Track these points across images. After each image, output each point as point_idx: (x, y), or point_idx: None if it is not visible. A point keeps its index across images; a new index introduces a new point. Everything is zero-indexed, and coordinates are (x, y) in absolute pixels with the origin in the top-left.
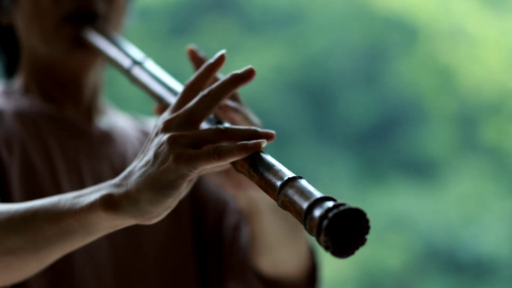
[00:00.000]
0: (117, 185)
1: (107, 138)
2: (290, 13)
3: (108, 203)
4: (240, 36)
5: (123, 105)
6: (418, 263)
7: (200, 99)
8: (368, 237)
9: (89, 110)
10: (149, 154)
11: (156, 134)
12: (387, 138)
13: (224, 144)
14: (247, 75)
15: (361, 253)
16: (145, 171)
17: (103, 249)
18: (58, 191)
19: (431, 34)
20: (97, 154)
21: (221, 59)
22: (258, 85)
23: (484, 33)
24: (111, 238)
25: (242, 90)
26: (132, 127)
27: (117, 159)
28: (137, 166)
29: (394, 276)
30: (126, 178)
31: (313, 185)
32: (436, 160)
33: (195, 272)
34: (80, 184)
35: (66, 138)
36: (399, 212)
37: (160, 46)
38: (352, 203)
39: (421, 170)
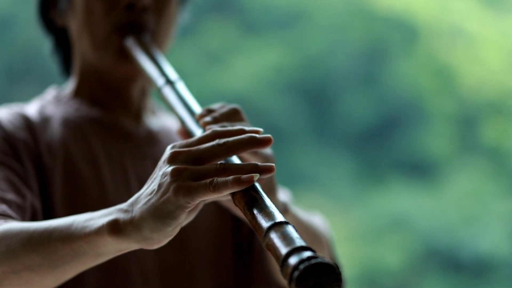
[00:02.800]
0: (124, 211)
1: (153, 138)
2: (290, 14)
3: (114, 228)
4: (240, 37)
5: None
6: (418, 263)
7: (214, 146)
8: (368, 237)
9: (138, 112)
10: (155, 183)
11: (164, 164)
12: (387, 138)
13: (221, 178)
14: (264, 142)
15: (361, 253)
16: (149, 200)
17: None
18: (102, 191)
19: (431, 34)
20: (142, 154)
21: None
22: (258, 85)
23: (484, 33)
24: None
25: (242, 90)
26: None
27: None
28: (143, 194)
29: (394, 275)
30: (133, 204)
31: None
32: (436, 160)
33: (234, 271)
34: (125, 184)
35: (111, 140)
36: (399, 212)
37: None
38: (352, 203)
39: (421, 170)
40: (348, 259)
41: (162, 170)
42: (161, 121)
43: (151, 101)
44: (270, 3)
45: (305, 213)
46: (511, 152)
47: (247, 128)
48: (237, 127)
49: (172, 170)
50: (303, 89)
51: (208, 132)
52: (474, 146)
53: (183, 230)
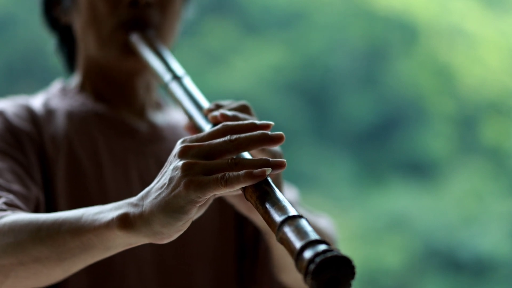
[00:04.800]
0: (134, 205)
1: (157, 135)
2: (290, 14)
3: (124, 222)
4: (240, 37)
5: None
6: (417, 263)
7: (225, 142)
8: (368, 237)
9: (142, 108)
10: (165, 177)
11: (175, 158)
12: (386, 138)
13: (232, 172)
14: (276, 140)
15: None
16: (159, 194)
17: (145, 247)
18: (103, 187)
19: (431, 34)
20: (145, 151)
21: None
22: (258, 85)
23: (484, 33)
24: None
25: (242, 90)
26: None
27: (166, 156)
28: (154, 188)
29: (394, 275)
30: (143, 198)
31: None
32: (436, 160)
33: (235, 273)
34: (126, 181)
35: (114, 136)
36: (398, 212)
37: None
38: (352, 203)
39: (421, 170)
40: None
41: (173, 164)
42: (168, 116)
43: (157, 96)
44: (270, 3)
45: (311, 214)
46: (511, 152)
47: (258, 122)
48: (249, 121)
49: (183, 164)
50: (303, 89)
51: (219, 126)
52: (474, 146)
53: (185, 233)
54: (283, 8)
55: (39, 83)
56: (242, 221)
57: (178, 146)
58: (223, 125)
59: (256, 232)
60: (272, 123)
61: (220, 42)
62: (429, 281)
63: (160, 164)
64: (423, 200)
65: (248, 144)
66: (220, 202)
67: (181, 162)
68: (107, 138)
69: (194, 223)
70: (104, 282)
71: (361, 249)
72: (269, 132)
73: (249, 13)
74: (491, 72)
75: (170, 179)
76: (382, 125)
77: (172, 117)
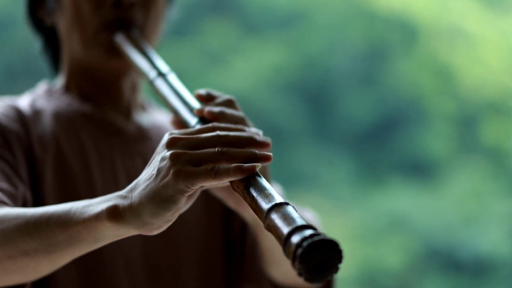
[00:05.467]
0: (123, 197)
1: (143, 135)
2: (290, 14)
3: (113, 214)
4: (240, 37)
5: None
6: (417, 263)
7: (214, 136)
8: (368, 237)
9: (128, 109)
10: (153, 168)
11: (162, 149)
12: (386, 138)
13: (222, 164)
14: (263, 145)
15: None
16: (148, 185)
17: (134, 243)
18: (91, 186)
19: (431, 34)
20: (131, 151)
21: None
22: (258, 85)
23: (484, 33)
24: None
25: (242, 90)
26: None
27: (151, 156)
28: (142, 179)
29: (394, 275)
30: (132, 190)
31: (297, 210)
32: (436, 160)
33: (223, 268)
34: (113, 180)
35: (101, 136)
36: (398, 212)
37: (160, 46)
38: (352, 203)
39: (421, 170)
40: (348, 259)
41: (161, 154)
42: (152, 117)
43: (142, 97)
44: (270, 3)
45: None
46: (511, 152)
47: (247, 129)
48: (239, 126)
49: (171, 154)
50: (303, 89)
51: (209, 125)
52: (474, 146)
53: (171, 226)
54: (283, 8)
55: (46, 79)
56: (229, 217)
57: (166, 137)
58: (213, 124)
59: (243, 227)
60: (260, 131)
61: (220, 42)
62: (429, 281)
63: (146, 163)
64: (423, 200)
65: (235, 143)
66: (207, 198)
67: (169, 152)
68: (94, 138)
69: (181, 220)
70: (93, 279)
71: (361, 249)
72: (258, 137)
73: (249, 13)
74: (491, 72)
75: (159, 170)
76: (382, 125)
77: (156, 118)
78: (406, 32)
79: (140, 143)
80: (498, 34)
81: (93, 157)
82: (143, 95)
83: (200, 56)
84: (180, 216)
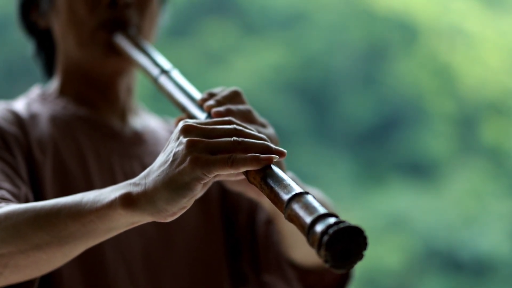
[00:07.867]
0: (136, 184)
1: (139, 138)
2: (290, 14)
3: (127, 201)
4: (240, 37)
5: None
6: (417, 263)
7: (230, 129)
8: (367, 237)
9: (123, 112)
10: (168, 154)
11: (178, 136)
12: (386, 138)
13: (239, 154)
14: (278, 153)
15: None
16: (163, 171)
17: (133, 242)
18: (90, 188)
19: (431, 34)
20: (129, 154)
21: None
22: (258, 85)
23: (484, 33)
24: (141, 231)
25: (242, 90)
26: (162, 127)
27: (148, 159)
28: (156, 165)
29: (394, 275)
30: (145, 177)
31: (317, 200)
32: (436, 160)
33: (225, 269)
34: (112, 183)
35: (99, 138)
36: (398, 212)
37: (160, 47)
38: (352, 203)
39: (421, 170)
40: None
41: (177, 141)
42: (144, 121)
43: (135, 102)
44: (270, 3)
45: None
46: (511, 152)
47: (273, 147)
48: (263, 142)
49: (188, 141)
50: (303, 89)
51: (225, 118)
52: (474, 146)
53: (171, 228)
54: (283, 8)
55: (39, 83)
56: (229, 217)
57: (180, 125)
58: (229, 118)
59: (250, 221)
60: (285, 152)
61: (220, 42)
62: (429, 281)
63: (144, 166)
64: (423, 200)
65: (251, 147)
66: (205, 200)
67: (186, 139)
68: (91, 141)
69: (181, 222)
70: (96, 281)
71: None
72: (273, 146)
73: (249, 13)
74: (491, 72)
75: (175, 155)
76: (382, 125)
77: (149, 122)
78: (406, 32)
79: (137, 146)
80: (498, 34)
81: (91, 160)
82: (135, 100)
83: (200, 56)
84: (179, 218)
